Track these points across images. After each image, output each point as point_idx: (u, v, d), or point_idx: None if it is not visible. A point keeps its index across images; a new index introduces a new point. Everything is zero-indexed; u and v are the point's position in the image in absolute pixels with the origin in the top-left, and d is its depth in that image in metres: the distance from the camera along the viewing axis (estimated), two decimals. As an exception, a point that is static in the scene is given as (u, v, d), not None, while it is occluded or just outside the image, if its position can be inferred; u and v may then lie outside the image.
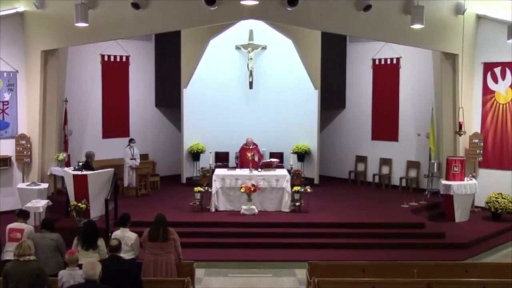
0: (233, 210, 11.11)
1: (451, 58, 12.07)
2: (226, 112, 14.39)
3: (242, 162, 12.24)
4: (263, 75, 14.30)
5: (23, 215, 7.83)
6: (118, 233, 7.34)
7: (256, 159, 11.81)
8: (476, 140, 12.13)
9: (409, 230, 10.36)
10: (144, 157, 14.10)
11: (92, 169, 10.60)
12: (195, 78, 14.04)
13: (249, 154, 11.82)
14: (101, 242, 7.04)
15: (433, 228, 10.50)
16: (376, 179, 14.12)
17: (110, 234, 8.14)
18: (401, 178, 13.62)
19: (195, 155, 14.09)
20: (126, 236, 7.29)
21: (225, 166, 13.47)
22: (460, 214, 11.35)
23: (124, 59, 14.14)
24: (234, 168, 12.35)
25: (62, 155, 12.20)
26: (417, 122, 13.47)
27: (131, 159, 12.53)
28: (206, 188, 11.15)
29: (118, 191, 11.20)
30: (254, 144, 12.69)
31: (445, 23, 11.57)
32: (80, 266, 6.01)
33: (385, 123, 14.00)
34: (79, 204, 10.03)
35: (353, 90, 14.68)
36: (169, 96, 14.57)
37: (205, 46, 13.90)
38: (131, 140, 12.78)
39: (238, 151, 12.92)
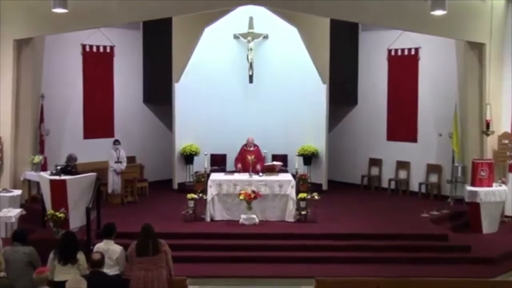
0: (231, 219, 11.07)
1: (477, 48, 12.01)
2: (223, 110, 14.39)
3: (241, 165, 12.17)
4: (265, 67, 14.29)
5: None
6: (101, 246, 7.27)
7: (258, 167, 11.77)
8: (506, 141, 12.06)
9: (430, 242, 10.31)
10: (130, 160, 14.05)
11: (72, 174, 10.52)
12: (188, 71, 14.02)
13: (249, 157, 11.75)
14: (81, 256, 6.95)
15: (457, 240, 10.43)
16: (392, 185, 14.09)
17: (92, 247, 8.08)
18: (420, 184, 13.58)
19: (188, 157, 14.06)
20: (110, 249, 7.22)
21: (222, 170, 13.44)
22: (488, 225, 11.29)
23: (108, 49, 14.10)
24: (232, 172, 12.28)
25: (38, 158, 12.15)
26: (438, 120, 13.43)
27: (116, 162, 12.47)
28: (201, 195, 11.12)
29: (101, 198, 11.14)
30: (255, 145, 12.64)
31: (470, 9, 11.52)
32: (56, 285, 5.92)
33: (402, 122, 13.97)
34: (57, 213, 9.97)
35: (366, 84, 14.65)
36: (158, 91, 14.55)
37: (199, 35, 13.89)
38: (115, 142, 12.71)
39: (238, 154, 12.84)
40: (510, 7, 12.05)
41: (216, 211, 11.17)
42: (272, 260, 9.76)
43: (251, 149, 12.53)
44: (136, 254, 6.94)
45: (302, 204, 11.06)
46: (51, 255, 6.96)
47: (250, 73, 14.13)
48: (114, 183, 12.51)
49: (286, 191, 11.20)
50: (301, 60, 14.05)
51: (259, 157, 12.37)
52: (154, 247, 6.98)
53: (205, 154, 12.03)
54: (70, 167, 10.80)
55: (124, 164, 12.60)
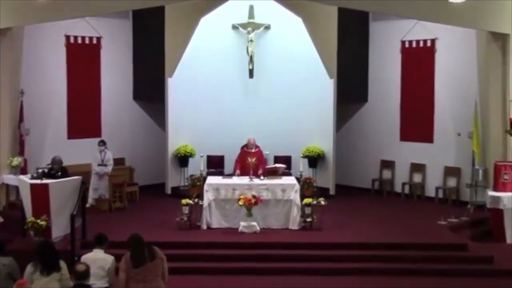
0: (229, 227, 11.05)
1: (500, 40, 11.99)
2: (220, 107, 14.39)
3: (241, 167, 12.14)
4: (266, 61, 14.28)
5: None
6: (90, 256, 7.26)
7: (260, 171, 11.76)
8: (531, 141, 12.04)
9: (448, 252, 10.27)
10: (119, 162, 14.04)
11: (56, 178, 10.52)
12: (182, 65, 14.00)
13: (250, 159, 11.73)
14: (63, 265, 6.91)
15: (477, 250, 10.39)
16: (406, 189, 14.07)
17: (76, 258, 8.04)
18: (437, 188, 13.56)
19: (183, 159, 14.04)
20: (101, 258, 7.25)
21: (220, 173, 13.41)
22: (513, 233, 11.26)
23: (94, 41, 14.09)
24: (230, 175, 12.24)
25: (17, 160, 12.13)
26: (457, 118, 13.41)
27: (99, 164, 12.44)
28: (196, 200, 11.09)
29: (86, 204, 11.09)
30: (256, 146, 12.62)
31: (493, -4, 11.50)
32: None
33: (417, 120, 13.96)
34: (38, 221, 9.93)
35: (377, 79, 14.64)
36: (150, 87, 14.54)
37: (194, 26, 13.87)
38: (100, 142, 12.68)
39: (238, 156, 12.82)
40: (536, -7, 12.02)
41: (213, 218, 11.14)
42: (274, 271, 9.72)
43: (252, 150, 12.48)
44: (133, 265, 6.87)
45: (307, 210, 11.03)
46: (29, 269, 6.87)
47: (250, 67, 14.12)
48: (100, 187, 12.48)
49: (290, 196, 11.17)
50: (306, 53, 14.03)
51: (261, 160, 12.33)
52: (150, 253, 6.98)
53: (201, 156, 12.01)
54: (55, 170, 10.78)
55: (110, 167, 12.58)
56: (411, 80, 14.04)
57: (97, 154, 12.59)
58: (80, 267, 6.38)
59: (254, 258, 9.98)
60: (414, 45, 13.95)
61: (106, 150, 12.63)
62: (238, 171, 12.00)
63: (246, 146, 12.73)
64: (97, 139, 13.17)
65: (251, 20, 14.10)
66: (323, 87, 13.89)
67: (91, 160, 12.64)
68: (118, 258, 7.51)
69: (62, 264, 6.92)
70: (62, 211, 10.20)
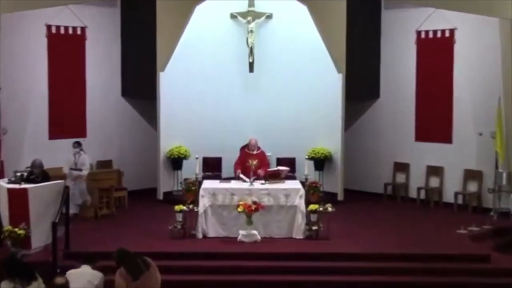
0: (227, 236, 11.04)
1: (525, 29, 11.99)
2: (217, 104, 14.43)
3: (241, 170, 12.11)
4: (268, 53, 14.31)
5: None
6: (77, 270, 7.32)
7: (260, 172, 11.76)
8: (560, 142, 12.02)
9: (468, 265, 10.23)
10: (106, 165, 14.05)
11: (36, 183, 10.48)
12: (175, 58, 14.00)
13: (251, 161, 11.70)
14: (38, 276, 6.92)
15: (501, 262, 10.35)
16: (422, 195, 14.07)
17: (59, 271, 8.01)
18: (456, 194, 13.55)
19: (176, 161, 14.04)
20: (89, 272, 7.29)
21: (217, 176, 13.42)
22: (539, 243, 11.23)
23: (78, 31, 14.08)
24: (228, 179, 12.22)
25: (-7, 162, 12.10)
26: (478, 116, 13.42)
27: (72, 168, 12.40)
28: (191, 206, 11.06)
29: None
30: (258, 148, 12.60)
31: (517, -19, 11.48)
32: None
33: (434, 119, 13.96)
34: (16, 230, 9.89)
35: (390, 73, 14.65)
36: (140, 83, 14.54)
37: (189, 15, 13.87)
38: (75, 144, 12.60)
39: (238, 157, 12.80)
40: None
41: (210, 226, 11.11)
42: (276, 285, 9.72)
43: (254, 152, 12.45)
44: (133, 278, 6.96)
45: (313, 217, 11.00)
46: (8, 284, 6.85)
47: (251, 60, 14.14)
48: (81, 193, 12.45)
49: (294, 201, 11.15)
50: (311, 44, 14.04)
51: (263, 163, 12.32)
52: (143, 262, 7.07)
53: (196, 158, 11.95)
54: (34, 175, 10.75)
55: (86, 171, 12.51)
56: (427, 74, 14.02)
57: (70, 156, 12.49)
58: (59, 280, 6.36)
59: (255, 270, 9.95)
60: (430, 35, 13.93)
61: (82, 152, 12.57)
62: (239, 171, 11.97)
63: (247, 147, 12.71)
64: (82, 140, 13.15)
65: (251, 9, 14.12)
66: (330, 82, 13.89)
67: (63, 163, 12.52)
68: (106, 270, 7.51)
69: (37, 274, 6.94)
70: (43, 218, 10.16)
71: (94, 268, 7.43)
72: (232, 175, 12.74)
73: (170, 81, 13.99)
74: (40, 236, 10.19)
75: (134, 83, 14.72)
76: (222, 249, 10.49)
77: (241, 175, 11.80)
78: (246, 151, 12.57)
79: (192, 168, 12.36)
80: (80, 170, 12.47)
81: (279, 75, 14.35)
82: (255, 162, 11.79)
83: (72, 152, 12.55)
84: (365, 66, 14.48)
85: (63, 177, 11.64)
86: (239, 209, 10.79)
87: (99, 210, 12.61)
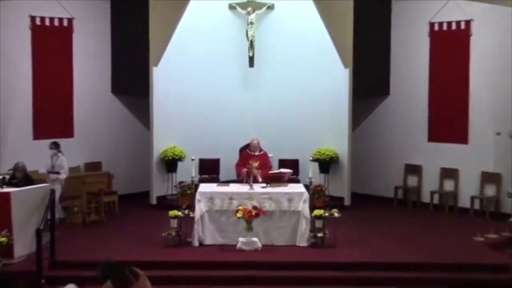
0: (225, 244, 11.03)
1: (548, 21, 11.97)
2: (215, 102, 14.48)
3: (240, 173, 12.10)
4: (269, 47, 14.36)
5: None
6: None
7: (259, 178, 11.76)
8: None
9: (486, 275, 10.18)
10: (95, 167, 14.06)
11: (19, 187, 10.47)
12: (170, 51, 14.05)
13: (251, 163, 11.68)
14: None
15: (521, 271, 10.30)
16: (436, 199, 14.08)
17: (43, 281, 7.99)
18: (472, 198, 13.56)
19: (170, 163, 14.06)
20: None
21: (214, 179, 13.44)
22: (563, 251, 11.19)
23: (65, 23, 14.08)
24: (226, 182, 12.21)
25: (-27, 164, 12.10)
26: (496, 115, 13.41)
27: (49, 172, 12.35)
28: (187, 211, 11.05)
29: (55, 216, 11.03)
30: (261, 149, 12.59)
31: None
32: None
33: (449, 117, 13.98)
34: (-2, 237, 9.86)
35: (401, 68, 14.67)
36: (132, 78, 14.55)
37: (184, 5, 13.94)
38: (52, 145, 12.51)
39: (239, 159, 12.79)
40: None
41: (207, 233, 11.10)
42: (279, 297, 9.67)
43: (256, 153, 12.46)
44: None
45: (318, 223, 11.00)
46: None
47: (251, 54, 14.19)
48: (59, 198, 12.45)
49: (297, 206, 11.14)
50: (316, 37, 14.08)
51: (265, 165, 12.32)
52: (132, 272, 6.98)
53: (192, 159, 11.95)
54: (17, 179, 10.74)
55: (64, 175, 12.45)
56: (441, 69, 14.02)
57: (49, 158, 12.44)
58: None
59: (255, 280, 9.91)
60: (445, 27, 13.93)
61: (60, 154, 12.53)
62: (244, 170, 11.92)
63: (248, 147, 12.71)
64: (68, 140, 13.16)
65: (251, -1, 14.18)
66: (336, 78, 13.91)
67: (39, 165, 12.46)
68: (95, 281, 7.49)
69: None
70: (27, 225, 10.12)
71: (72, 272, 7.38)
72: (231, 177, 12.73)
73: (164, 76, 14.00)
74: (23, 244, 10.13)
75: (125, 79, 14.72)
76: (220, 258, 10.46)
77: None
78: (248, 152, 12.56)
79: (187, 171, 12.37)
80: (58, 173, 12.41)
81: (281, 70, 14.38)
82: (256, 164, 11.76)
83: (51, 154, 12.49)
84: (374, 60, 14.48)
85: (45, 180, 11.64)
86: (238, 215, 10.77)
87: (87, 216, 12.61)
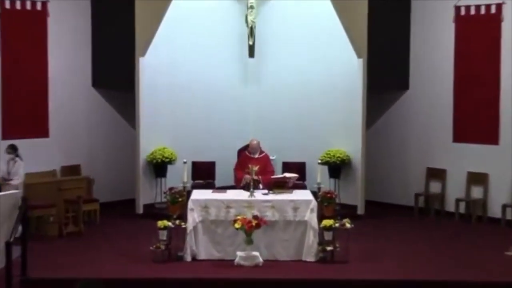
0: (222, 258, 11.03)
1: None
2: (210, 97, 14.51)
3: (240, 178, 12.08)
4: (272, 34, 14.41)
5: None
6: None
7: (261, 184, 11.79)
8: None
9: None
10: (73, 171, 14.08)
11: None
12: (159, 40, 14.05)
13: (251, 167, 11.66)
14: None
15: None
16: (462, 208, 14.09)
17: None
18: (504, 206, 13.56)
19: (159, 167, 14.08)
20: None
21: (209, 185, 13.47)
22: None
23: (38, 6, 14.07)
24: (223, 189, 12.21)
25: None
26: (531, 111, 13.44)
27: (4, 178, 12.38)
28: (178, 222, 11.04)
29: (28, 227, 11.01)
30: (261, 151, 12.57)
31: None
32: None
33: (477, 114, 14.00)
34: (-39, 251, 9.85)
35: (422, 59, 14.68)
36: (115, 70, 14.56)
37: (175, -13, 13.96)
38: (8, 148, 12.56)
39: (237, 162, 12.77)
40: None
41: (201, 247, 11.09)
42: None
43: (256, 156, 12.45)
44: None
45: (328, 235, 10.98)
46: None
47: (251, 43, 14.22)
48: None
49: (304, 216, 11.12)
50: (325, 23, 14.10)
51: (266, 168, 12.30)
52: None
53: (184, 162, 11.93)
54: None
55: (16, 181, 12.46)
56: (468, 59, 14.04)
57: (3, 164, 12.46)
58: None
59: (256, 301, 9.94)
60: (472, 12, 13.95)
61: (18, 159, 12.54)
62: (247, 176, 11.87)
63: (247, 149, 12.69)
64: (43, 140, 13.13)
65: (251, -21, 14.23)
66: (348, 69, 13.92)
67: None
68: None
69: None
70: (-5, 237, 10.14)
71: None
72: (228, 183, 12.72)
73: (151, 68, 14.01)
74: (-9, 259, 10.16)
75: (108, 71, 14.71)
76: (215, 275, 10.44)
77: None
78: (247, 155, 12.55)
79: (178, 175, 12.41)
80: (11, 180, 12.41)
81: (286, 61, 14.40)
82: (256, 167, 11.73)
83: (6, 158, 12.48)
84: (391, 49, 14.49)
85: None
86: (237, 226, 10.74)
87: (64, 227, 12.59)
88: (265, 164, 12.39)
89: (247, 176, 11.82)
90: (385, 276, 10.40)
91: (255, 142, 12.63)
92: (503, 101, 13.69)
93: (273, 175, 12.28)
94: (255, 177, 11.68)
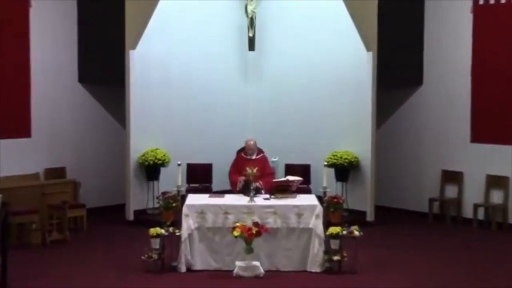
0: (219, 269, 11.03)
1: None
2: (206, 94, 14.56)
3: (236, 181, 12.09)
4: (273, 26, 14.47)
5: None
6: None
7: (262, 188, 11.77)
8: None
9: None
10: (57, 174, 14.13)
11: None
12: (151, 32, 14.07)
13: (249, 170, 11.66)
14: None
15: None
16: (480, 214, 14.11)
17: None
18: (526, 212, 13.61)
19: (151, 169, 14.10)
20: None
21: (206, 189, 13.49)
22: None
23: (21, -4, 14.13)
24: (221, 193, 12.21)
25: None
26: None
27: None
28: (171, 229, 11.04)
29: (9, 235, 11.02)
30: (259, 151, 12.57)
31: None
32: None
33: (497, 112, 14.00)
34: None
35: (437, 52, 14.71)
36: (104, 64, 14.56)
37: (169, -27, 13.96)
38: None
39: (232, 164, 12.78)
40: None
41: (196, 256, 11.08)
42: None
43: (253, 157, 12.48)
44: None
45: (334, 244, 10.96)
46: None
47: (251, 35, 14.31)
48: None
49: (308, 223, 11.11)
50: (331, 13, 14.14)
51: (265, 170, 12.31)
52: None
53: (179, 164, 11.92)
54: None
55: None
56: (488, 52, 14.05)
57: None
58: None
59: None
60: (492, 1, 13.96)
61: None
62: (241, 178, 11.91)
63: (243, 150, 12.69)
64: (26, 141, 13.21)
65: (251, -34, 14.26)
66: (357, 64, 13.94)
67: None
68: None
69: None
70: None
71: None
72: (226, 187, 12.73)
73: (143, 61, 14.02)
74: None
75: (96, 65, 14.72)
76: (212, 286, 10.46)
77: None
78: (243, 156, 12.56)
79: (172, 178, 12.36)
80: None
81: (289, 54, 14.45)
82: (254, 170, 11.70)
83: None
84: (403, 42, 14.52)
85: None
86: (236, 233, 10.72)
87: (48, 234, 12.59)
88: (264, 165, 12.42)
89: (241, 178, 11.84)
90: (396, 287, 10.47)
91: (251, 142, 12.62)
92: (525, 98, 13.74)
93: (273, 177, 12.30)
94: (257, 184, 11.70)
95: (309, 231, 11.09)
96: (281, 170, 13.56)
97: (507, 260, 11.74)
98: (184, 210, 11.14)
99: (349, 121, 14.11)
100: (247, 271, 10.73)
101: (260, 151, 12.74)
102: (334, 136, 14.19)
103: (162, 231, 10.95)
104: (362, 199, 14.06)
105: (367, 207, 13.99)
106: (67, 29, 14.71)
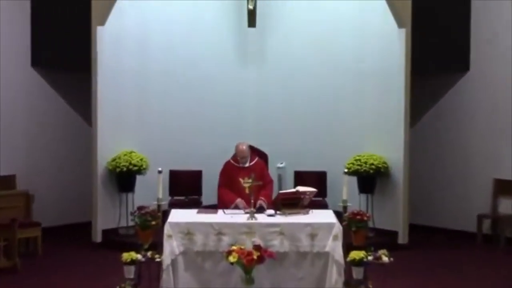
0: (210, 304, 11.00)
1: None
2: (195, 82, 14.70)
3: (227, 200, 12.06)
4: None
5: None
6: None
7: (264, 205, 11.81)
8: None
9: None
10: (6, 183, 14.12)
11: None
12: (124, 4, 14.12)
13: (243, 181, 11.60)
14: None
15: None
16: (544, 235, 14.13)
17: None
18: None
19: (125, 178, 14.15)
20: None
21: (194, 202, 13.64)
22: None
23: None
24: (212, 208, 12.18)
25: None
26: None
27: None
28: (150, 254, 11.00)
29: None
30: (253, 156, 12.53)
31: None
32: None
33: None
34: None
35: (487, 32, 14.77)
36: (64, 45, 14.61)
37: None
38: None
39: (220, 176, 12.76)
40: None
41: (182, 287, 11.03)
42: None
43: (246, 165, 12.41)
44: None
45: (357, 272, 10.93)
46: None
47: (251, 7, 14.38)
48: None
49: (325, 246, 11.07)
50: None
51: (263, 179, 12.24)
52: None
53: (159, 171, 11.90)
54: None
55: None
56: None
57: None
58: None
59: None
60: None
61: None
62: (239, 199, 11.89)
63: (233, 157, 12.64)
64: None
65: None
66: (386, 44, 14.03)
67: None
68: None
69: None
70: None
71: None
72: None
73: (114, 41, 14.09)
74: None
75: (53, 46, 14.76)
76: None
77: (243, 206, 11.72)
78: (233, 165, 12.46)
79: (151, 189, 12.37)
80: None
81: (299, 32, 14.55)
82: (250, 180, 11.62)
83: None
84: (445, 18, 14.56)
85: None
86: (232, 259, 10.65)
87: (-7, 260, 12.61)
88: (261, 173, 12.29)
89: (240, 201, 11.80)
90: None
91: (243, 147, 12.51)
92: None
93: (272, 186, 12.31)
94: (260, 202, 11.66)
95: (325, 256, 11.04)
96: (289, 178, 13.59)
97: None
98: (166, 229, 11.07)
99: (376, 117, 14.18)
100: (247, 307, 10.72)
101: (254, 155, 12.67)
102: (356, 136, 14.29)
103: (138, 256, 10.91)
104: (392, 215, 14.09)
105: (399, 226, 14.02)
106: (17, 3, 14.74)
